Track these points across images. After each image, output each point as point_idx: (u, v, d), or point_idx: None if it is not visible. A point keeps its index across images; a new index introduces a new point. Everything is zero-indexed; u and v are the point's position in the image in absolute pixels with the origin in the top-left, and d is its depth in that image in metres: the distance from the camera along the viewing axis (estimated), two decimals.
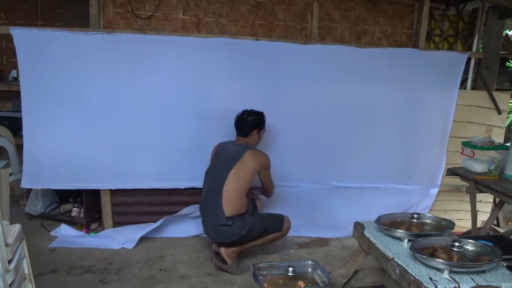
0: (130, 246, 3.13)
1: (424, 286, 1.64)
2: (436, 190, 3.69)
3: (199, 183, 3.37)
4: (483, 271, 1.75)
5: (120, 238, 3.20)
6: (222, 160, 2.88)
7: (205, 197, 2.88)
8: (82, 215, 3.44)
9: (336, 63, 3.41)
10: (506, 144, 3.45)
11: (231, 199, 2.75)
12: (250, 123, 2.94)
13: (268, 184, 3.00)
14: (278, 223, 2.90)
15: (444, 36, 4.38)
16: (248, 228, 2.75)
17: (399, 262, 1.87)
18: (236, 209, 2.75)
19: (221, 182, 2.77)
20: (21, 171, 3.19)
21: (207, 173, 2.95)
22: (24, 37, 3.01)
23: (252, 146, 2.92)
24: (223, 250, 2.80)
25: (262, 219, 2.88)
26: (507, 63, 5.91)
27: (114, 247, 3.13)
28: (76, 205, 3.52)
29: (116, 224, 3.40)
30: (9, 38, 3.09)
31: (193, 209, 3.31)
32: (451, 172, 3.27)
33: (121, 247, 3.14)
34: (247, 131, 2.93)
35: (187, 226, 3.38)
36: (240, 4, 3.76)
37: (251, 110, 2.99)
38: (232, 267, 2.79)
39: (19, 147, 3.22)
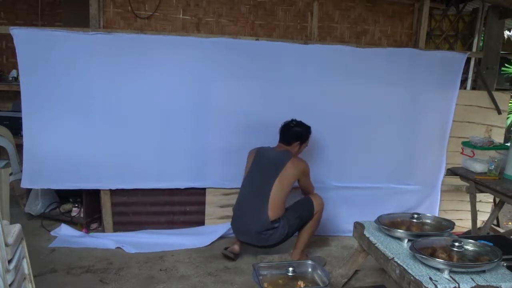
0: (131, 250, 3.10)
1: (424, 286, 1.65)
2: (438, 190, 3.68)
3: (199, 183, 3.40)
4: (483, 271, 1.75)
5: (122, 240, 3.20)
6: (264, 166, 2.90)
7: (246, 202, 2.89)
8: (82, 215, 3.44)
9: (336, 63, 3.41)
10: (506, 144, 3.45)
11: (276, 205, 2.80)
12: (294, 133, 2.97)
13: (307, 188, 3.04)
14: (309, 206, 2.92)
15: (444, 36, 4.38)
16: (288, 225, 2.82)
17: (399, 262, 1.87)
18: (279, 214, 2.82)
19: (267, 188, 2.80)
20: (21, 171, 3.19)
21: (246, 178, 2.97)
22: (24, 37, 3.00)
23: (292, 153, 2.94)
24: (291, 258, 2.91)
25: (292, 211, 2.90)
26: (503, 68, 5.81)
27: (114, 247, 3.13)
28: (76, 205, 3.52)
29: (116, 224, 3.40)
30: (9, 38, 3.08)
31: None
32: (451, 172, 3.28)
33: (121, 247, 3.13)
34: (290, 141, 2.96)
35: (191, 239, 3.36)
36: (240, 4, 3.76)
37: (300, 121, 3.01)
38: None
39: (19, 147, 3.21)
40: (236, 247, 2.99)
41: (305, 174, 2.95)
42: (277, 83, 3.35)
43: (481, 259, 1.80)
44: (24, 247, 1.85)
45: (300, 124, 3.00)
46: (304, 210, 2.91)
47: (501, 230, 3.72)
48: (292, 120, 3.01)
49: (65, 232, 3.32)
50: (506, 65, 5.94)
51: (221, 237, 3.34)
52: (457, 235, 2.40)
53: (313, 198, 2.95)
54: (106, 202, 3.33)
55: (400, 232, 2.09)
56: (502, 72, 5.77)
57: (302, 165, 2.91)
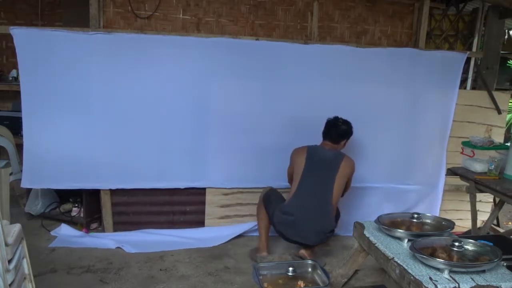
0: (131, 250, 3.10)
1: (424, 286, 1.65)
2: (439, 190, 3.68)
3: (199, 183, 3.40)
4: (483, 271, 1.75)
5: (122, 240, 3.20)
6: (321, 167, 2.87)
7: (308, 204, 2.82)
8: (82, 215, 3.44)
9: (336, 63, 3.41)
10: (506, 144, 3.45)
11: (335, 205, 2.87)
12: (342, 132, 2.98)
13: (348, 187, 3.06)
14: (337, 210, 3.04)
15: (444, 36, 4.38)
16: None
17: (399, 262, 1.87)
18: (335, 213, 2.88)
19: (329, 190, 2.82)
20: (21, 171, 3.19)
21: (303, 179, 2.87)
22: (24, 37, 3.00)
23: (343, 153, 2.96)
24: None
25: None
26: (508, 62, 5.92)
27: (114, 247, 3.13)
28: (76, 205, 3.52)
29: (116, 224, 3.40)
30: (9, 38, 3.08)
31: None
32: (451, 172, 3.28)
33: (121, 247, 3.13)
34: (338, 139, 2.98)
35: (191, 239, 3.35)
36: (240, 4, 3.75)
37: (344, 119, 3.01)
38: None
39: (19, 147, 3.21)
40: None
41: (353, 174, 2.99)
42: (277, 83, 3.35)
43: (481, 259, 1.80)
44: (24, 247, 1.85)
45: (345, 122, 3.01)
46: (337, 214, 3.02)
47: (501, 230, 3.72)
48: (338, 118, 3.00)
49: (65, 232, 3.33)
50: (510, 61, 6.02)
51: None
52: (457, 235, 2.40)
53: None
54: (106, 202, 3.33)
55: (400, 232, 2.09)
56: (507, 65, 5.85)
57: (353, 165, 2.94)
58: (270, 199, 2.97)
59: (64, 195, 3.61)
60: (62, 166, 3.17)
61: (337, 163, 2.85)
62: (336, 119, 3.00)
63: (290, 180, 3.11)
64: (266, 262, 2.80)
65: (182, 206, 3.46)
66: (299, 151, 2.99)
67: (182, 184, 3.37)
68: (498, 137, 3.68)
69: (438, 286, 1.64)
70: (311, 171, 2.88)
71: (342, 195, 3.10)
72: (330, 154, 2.91)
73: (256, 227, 3.42)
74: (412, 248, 1.85)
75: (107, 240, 3.21)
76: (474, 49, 4.36)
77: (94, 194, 3.37)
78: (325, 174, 2.85)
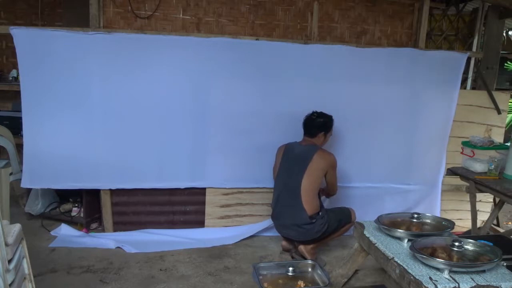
0: (131, 250, 3.09)
1: (424, 286, 1.65)
2: (439, 190, 3.68)
3: (199, 183, 3.40)
4: (483, 271, 1.75)
5: (122, 240, 3.20)
6: (293, 161, 2.92)
7: (281, 198, 2.94)
8: (82, 215, 3.44)
9: (336, 63, 3.41)
10: (506, 144, 3.45)
11: (309, 199, 2.83)
12: (317, 125, 2.98)
13: (333, 184, 3.05)
14: (348, 215, 3.02)
15: (444, 36, 4.38)
16: (327, 224, 2.86)
17: (399, 262, 1.87)
18: (314, 208, 2.85)
19: (298, 183, 2.83)
20: (21, 170, 3.19)
21: (278, 174, 3.00)
22: (24, 37, 3.00)
23: (319, 146, 2.96)
24: (303, 248, 2.91)
25: (334, 213, 2.98)
26: (505, 64, 5.94)
27: (114, 247, 3.13)
28: (76, 205, 3.52)
29: (116, 223, 3.40)
30: (9, 38, 3.08)
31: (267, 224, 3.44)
32: (451, 172, 3.28)
33: (121, 246, 3.13)
34: (314, 133, 2.98)
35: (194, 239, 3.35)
36: (240, 4, 3.76)
37: (321, 112, 3.02)
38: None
39: (19, 147, 3.22)
40: (284, 243, 3.05)
41: (333, 167, 2.96)
42: (277, 83, 3.35)
43: (481, 259, 1.80)
44: (24, 247, 1.85)
45: (321, 114, 3.02)
46: (344, 216, 2.99)
47: (501, 230, 3.72)
48: (314, 112, 3.02)
49: (65, 232, 3.32)
50: (508, 62, 6.05)
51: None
52: (457, 235, 2.40)
53: (352, 211, 3.05)
54: (106, 202, 3.33)
55: (400, 232, 2.09)
56: (505, 67, 5.89)
57: (330, 158, 2.92)
58: None
59: (64, 195, 3.61)
60: (62, 166, 3.17)
61: (309, 156, 2.86)
62: (312, 113, 3.03)
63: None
64: (266, 262, 2.81)
65: (182, 206, 3.46)
66: (280, 149, 3.08)
67: (182, 184, 3.37)
68: (498, 137, 3.68)
69: (438, 286, 1.64)
70: (285, 167, 2.96)
71: (331, 194, 3.12)
72: (304, 148, 2.94)
73: (257, 228, 3.44)
74: (412, 248, 1.85)
75: (107, 240, 3.20)
76: (474, 49, 4.36)
77: (94, 194, 3.37)
78: (296, 167, 2.87)
